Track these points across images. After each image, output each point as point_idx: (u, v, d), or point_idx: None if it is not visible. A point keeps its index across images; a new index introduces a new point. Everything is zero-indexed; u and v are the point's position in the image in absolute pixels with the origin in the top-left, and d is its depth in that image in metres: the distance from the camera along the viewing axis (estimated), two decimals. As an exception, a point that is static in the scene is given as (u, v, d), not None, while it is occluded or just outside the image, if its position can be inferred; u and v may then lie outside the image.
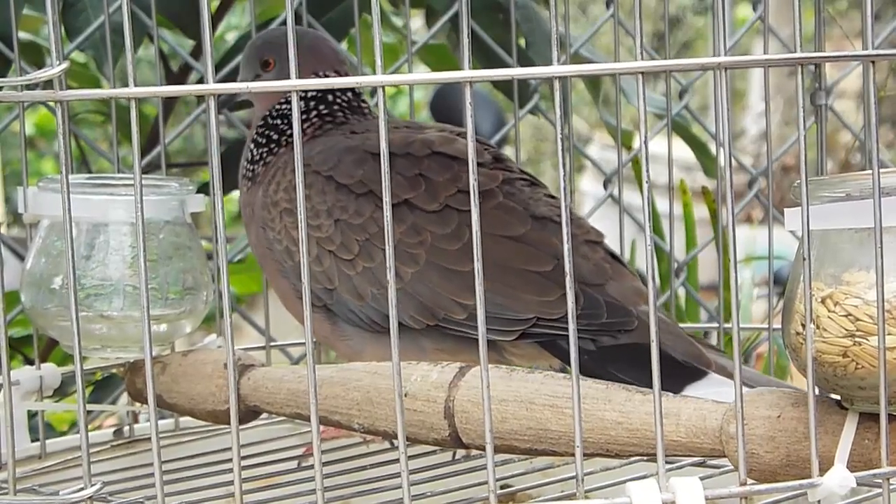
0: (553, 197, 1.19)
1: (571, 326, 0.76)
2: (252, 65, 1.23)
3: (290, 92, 1.17)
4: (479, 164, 1.15)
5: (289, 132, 1.20)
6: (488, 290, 1.09)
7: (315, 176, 1.15)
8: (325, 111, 1.21)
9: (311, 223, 1.14)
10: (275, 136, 1.21)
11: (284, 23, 1.35)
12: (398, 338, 0.77)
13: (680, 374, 1.08)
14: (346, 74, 1.23)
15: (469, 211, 1.11)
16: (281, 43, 1.19)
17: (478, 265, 0.74)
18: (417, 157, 1.15)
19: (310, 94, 1.21)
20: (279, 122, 1.21)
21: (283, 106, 1.22)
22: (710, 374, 1.09)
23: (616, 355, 1.11)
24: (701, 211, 1.67)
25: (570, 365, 1.08)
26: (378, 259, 1.13)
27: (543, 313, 1.11)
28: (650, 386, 1.04)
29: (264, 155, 1.21)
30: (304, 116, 1.20)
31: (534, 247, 1.13)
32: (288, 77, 1.17)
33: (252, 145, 1.22)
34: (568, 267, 0.74)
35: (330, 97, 1.22)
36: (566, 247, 0.74)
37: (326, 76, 1.20)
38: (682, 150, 1.69)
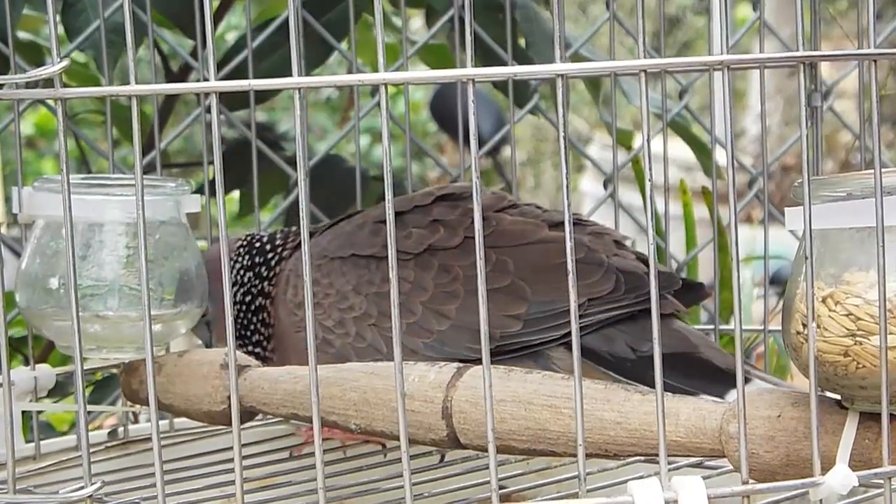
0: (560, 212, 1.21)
1: (574, 327, 0.76)
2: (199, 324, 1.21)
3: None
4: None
5: (263, 281, 1.21)
6: (533, 293, 1.13)
7: (333, 262, 1.17)
8: (278, 242, 1.23)
9: (340, 307, 1.16)
10: (252, 297, 1.21)
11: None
12: None
13: (724, 380, 1.10)
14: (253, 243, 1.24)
15: (487, 236, 1.14)
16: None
17: (480, 263, 0.74)
18: (425, 207, 1.17)
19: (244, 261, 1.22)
20: (251, 284, 1.22)
21: (237, 270, 1.22)
22: (753, 380, 1.11)
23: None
24: (701, 211, 1.67)
25: (610, 371, 1.13)
26: (419, 311, 1.14)
27: (592, 294, 1.13)
28: (694, 389, 1.08)
29: (263, 316, 1.21)
30: (270, 257, 1.22)
31: (559, 243, 1.15)
32: (222, 308, 1.18)
33: (243, 341, 1.22)
34: (570, 266, 0.74)
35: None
36: (568, 245, 0.73)
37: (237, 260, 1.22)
38: (682, 150, 1.69)
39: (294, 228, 1.24)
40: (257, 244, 1.22)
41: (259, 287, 1.21)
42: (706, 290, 1.27)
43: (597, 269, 1.14)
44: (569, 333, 1.10)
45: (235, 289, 1.21)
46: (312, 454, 1.09)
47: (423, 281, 1.13)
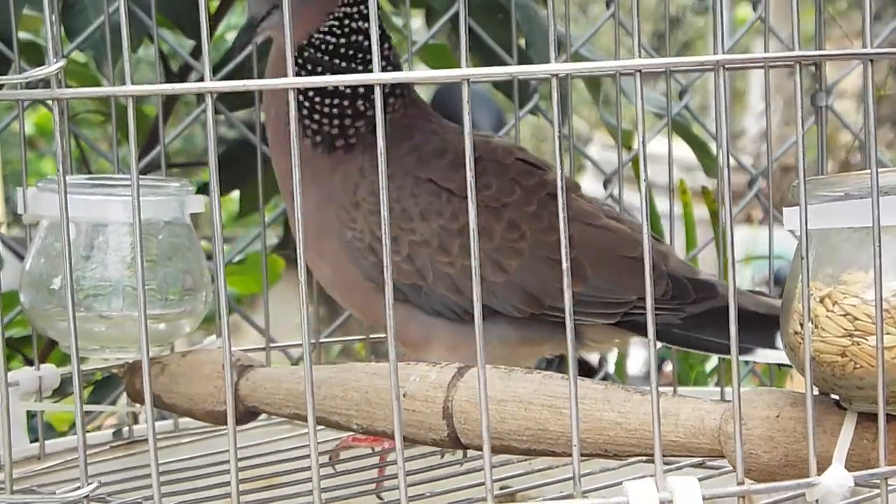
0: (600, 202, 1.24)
1: (570, 337, 0.76)
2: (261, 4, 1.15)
3: (329, 16, 1.13)
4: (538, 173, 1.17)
5: (367, 113, 1.16)
6: (594, 275, 1.14)
7: (407, 178, 1.15)
8: (399, 91, 1.18)
9: (403, 226, 1.14)
10: (348, 113, 1.16)
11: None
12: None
13: (767, 327, 1.09)
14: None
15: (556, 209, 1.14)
16: None
17: (475, 263, 0.74)
18: (505, 164, 1.17)
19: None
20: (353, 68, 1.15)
21: (328, 35, 1.15)
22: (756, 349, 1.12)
23: (699, 322, 1.14)
24: (701, 211, 1.67)
25: (648, 338, 1.13)
26: (479, 256, 1.13)
27: (643, 294, 1.12)
28: (746, 344, 1.08)
29: (335, 132, 1.16)
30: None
31: (621, 234, 1.17)
32: (310, 9, 1.13)
33: (310, 105, 1.16)
34: (565, 265, 0.75)
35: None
36: (565, 261, 0.74)
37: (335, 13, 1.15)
38: (683, 150, 1.70)
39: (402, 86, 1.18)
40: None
41: (357, 89, 1.16)
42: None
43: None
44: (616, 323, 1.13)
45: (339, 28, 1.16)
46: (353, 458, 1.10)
47: (491, 229, 1.13)
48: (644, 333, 1.14)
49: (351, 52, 1.16)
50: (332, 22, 1.16)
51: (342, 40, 1.16)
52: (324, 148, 1.16)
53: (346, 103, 1.16)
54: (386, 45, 1.18)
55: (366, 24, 1.16)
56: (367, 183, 1.15)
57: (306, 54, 1.16)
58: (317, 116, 1.16)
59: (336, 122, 1.16)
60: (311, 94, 1.16)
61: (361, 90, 1.16)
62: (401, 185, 1.14)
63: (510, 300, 1.14)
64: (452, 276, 1.13)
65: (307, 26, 1.16)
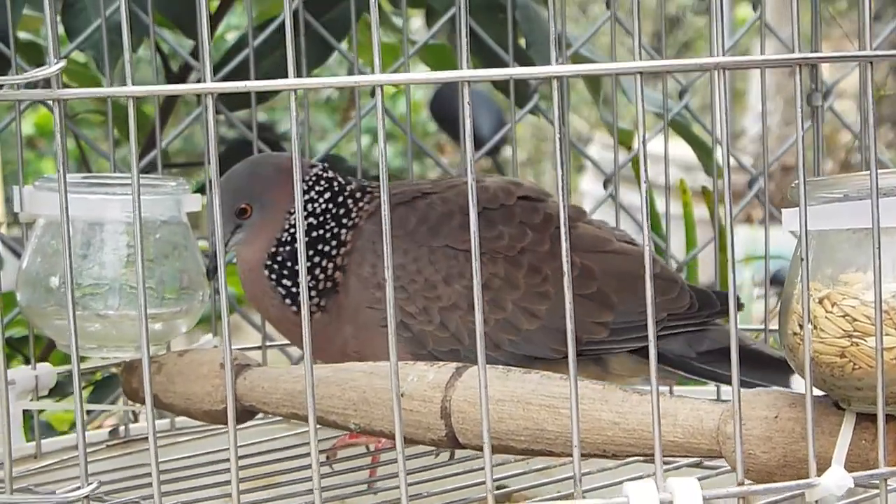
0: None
1: (570, 336, 0.76)
2: (227, 219, 1.14)
3: (290, 215, 1.14)
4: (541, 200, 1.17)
5: (341, 228, 1.17)
6: (619, 302, 1.15)
7: (422, 249, 1.15)
8: (367, 188, 1.18)
9: (427, 295, 1.15)
10: (330, 246, 1.16)
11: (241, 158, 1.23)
12: None
13: (782, 369, 1.11)
14: (325, 170, 1.18)
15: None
16: (251, 185, 1.16)
17: (476, 273, 0.74)
18: (510, 207, 1.17)
19: (326, 196, 1.17)
20: (325, 227, 1.17)
21: (292, 229, 1.16)
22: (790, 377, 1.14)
23: (715, 357, 1.16)
24: (701, 211, 1.67)
25: (677, 370, 1.16)
26: (509, 308, 1.15)
27: (672, 309, 1.16)
28: (759, 380, 1.10)
29: (331, 271, 1.16)
30: (350, 205, 1.17)
31: (635, 256, 1.18)
32: (270, 221, 1.15)
33: (283, 273, 1.16)
34: (566, 267, 0.74)
35: (341, 189, 1.18)
36: (564, 247, 0.73)
37: (308, 181, 1.16)
38: (683, 150, 1.69)
39: (369, 185, 1.19)
40: (336, 185, 1.17)
41: (333, 231, 1.16)
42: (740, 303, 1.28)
43: (673, 286, 1.17)
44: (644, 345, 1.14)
45: (305, 214, 1.16)
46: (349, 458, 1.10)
47: (514, 279, 1.14)
48: (667, 364, 1.16)
49: (322, 231, 1.16)
50: (292, 223, 1.16)
51: (312, 233, 1.16)
52: (318, 302, 1.16)
53: (324, 261, 1.16)
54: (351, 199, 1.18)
55: (328, 195, 1.17)
56: (380, 262, 1.14)
57: (279, 258, 1.16)
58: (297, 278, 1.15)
59: (319, 273, 1.16)
60: (287, 262, 1.16)
61: (336, 245, 1.16)
62: (417, 256, 1.15)
63: (547, 344, 1.15)
64: (488, 334, 1.13)
65: (272, 233, 1.16)
